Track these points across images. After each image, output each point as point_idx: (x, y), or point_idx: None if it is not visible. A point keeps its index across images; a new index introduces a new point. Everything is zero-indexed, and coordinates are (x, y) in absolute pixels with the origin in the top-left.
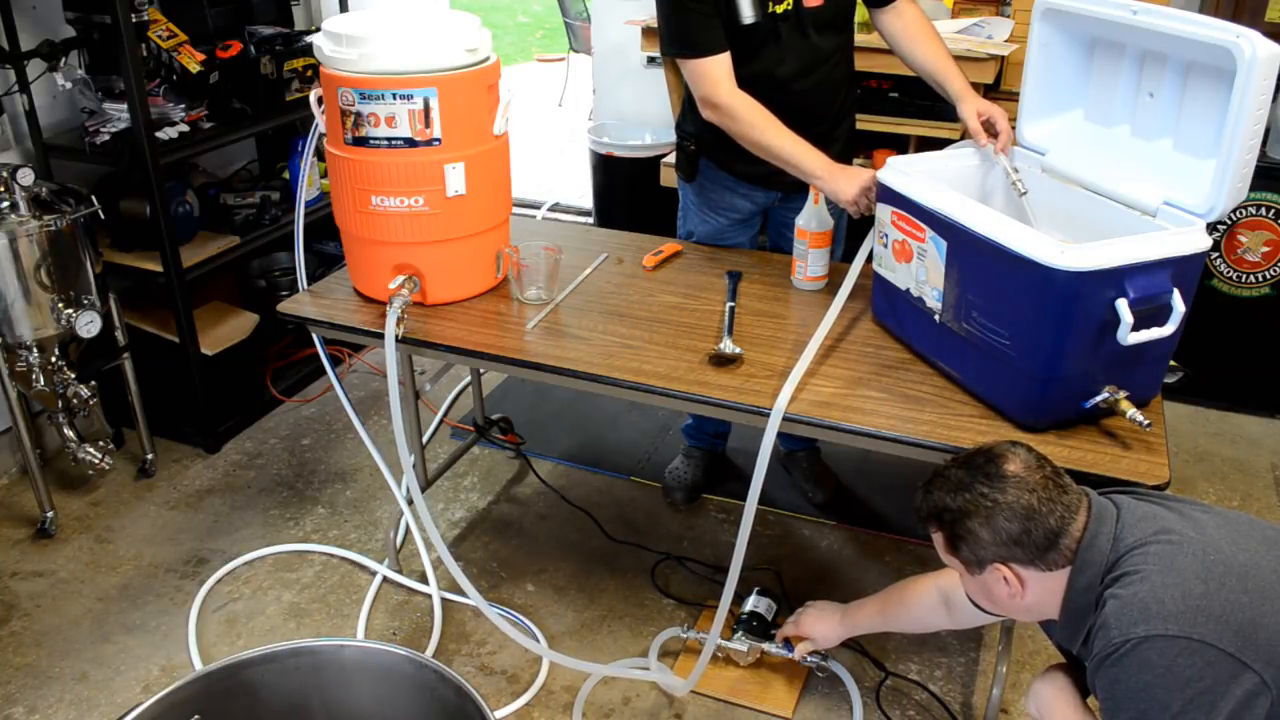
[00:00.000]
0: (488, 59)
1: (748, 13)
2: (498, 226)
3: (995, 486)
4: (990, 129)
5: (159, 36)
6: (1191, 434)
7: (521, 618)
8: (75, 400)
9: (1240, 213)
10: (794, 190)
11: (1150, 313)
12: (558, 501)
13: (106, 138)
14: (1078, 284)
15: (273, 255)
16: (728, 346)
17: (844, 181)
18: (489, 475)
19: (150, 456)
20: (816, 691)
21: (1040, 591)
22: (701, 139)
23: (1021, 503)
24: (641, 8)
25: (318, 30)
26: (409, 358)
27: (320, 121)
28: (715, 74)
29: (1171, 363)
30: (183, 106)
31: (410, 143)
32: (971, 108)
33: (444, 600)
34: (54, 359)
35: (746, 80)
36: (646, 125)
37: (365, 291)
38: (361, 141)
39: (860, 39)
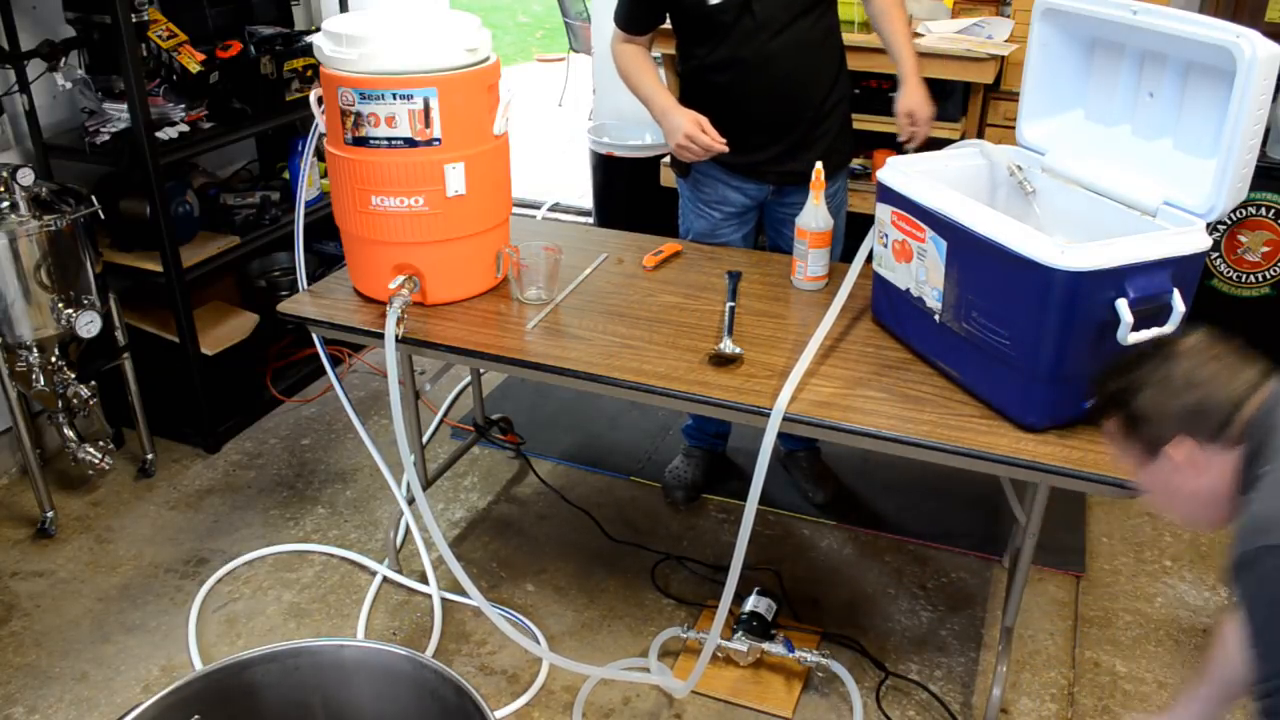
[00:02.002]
0: (488, 59)
1: None
2: (498, 226)
3: (1169, 358)
4: (912, 122)
5: (159, 36)
6: None
7: (522, 618)
8: (75, 400)
9: (1240, 213)
10: (786, 183)
11: (1150, 313)
12: (558, 501)
13: (106, 138)
14: (1078, 284)
15: (273, 255)
16: (728, 346)
17: (668, 132)
18: (489, 475)
19: (150, 456)
20: (816, 691)
21: (1216, 476)
22: None
23: (1199, 371)
24: None
25: (318, 30)
26: (409, 358)
27: (320, 121)
28: (623, 40)
29: None
30: (183, 106)
31: (410, 143)
32: (904, 104)
33: (444, 600)
34: (54, 359)
35: (723, 65)
36: (646, 125)
37: (365, 291)
38: (361, 141)
39: (860, 39)
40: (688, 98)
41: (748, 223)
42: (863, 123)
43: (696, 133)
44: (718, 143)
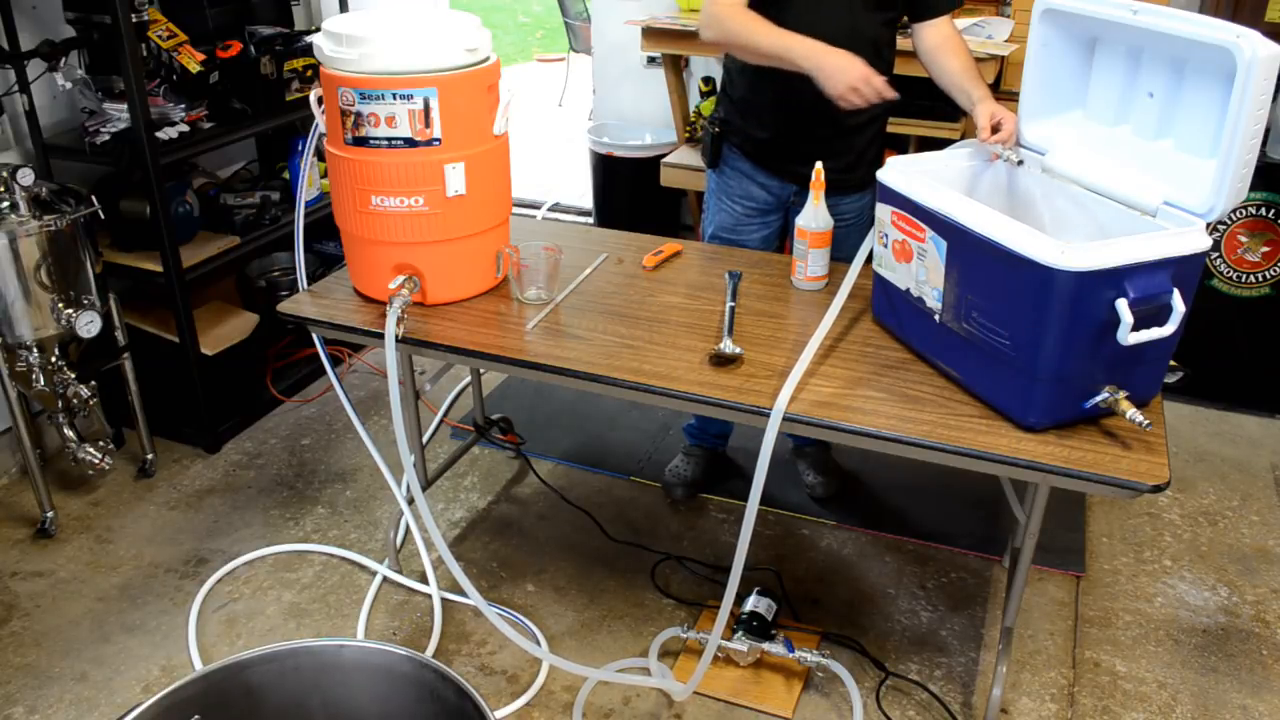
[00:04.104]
0: (488, 59)
1: None
2: (498, 226)
3: None
4: (996, 129)
5: (159, 36)
6: (1191, 434)
7: (522, 618)
8: (75, 400)
9: (1240, 213)
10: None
11: (1150, 313)
12: (558, 501)
13: (106, 138)
14: (1078, 284)
15: (273, 255)
16: (728, 346)
17: (834, 73)
18: (489, 475)
19: (150, 456)
20: (816, 691)
21: None
22: (726, 123)
23: None
24: (642, 8)
25: (318, 30)
26: (409, 358)
27: (320, 121)
28: (731, 3)
29: (1171, 363)
30: (183, 106)
31: (410, 143)
32: (987, 110)
33: (444, 600)
34: (54, 359)
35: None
36: (646, 125)
37: (365, 291)
38: (361, 141)
39: None
40: (733, 71)
41: (770, 224)
42: None
43: (870, 72)
44: (887, 89)
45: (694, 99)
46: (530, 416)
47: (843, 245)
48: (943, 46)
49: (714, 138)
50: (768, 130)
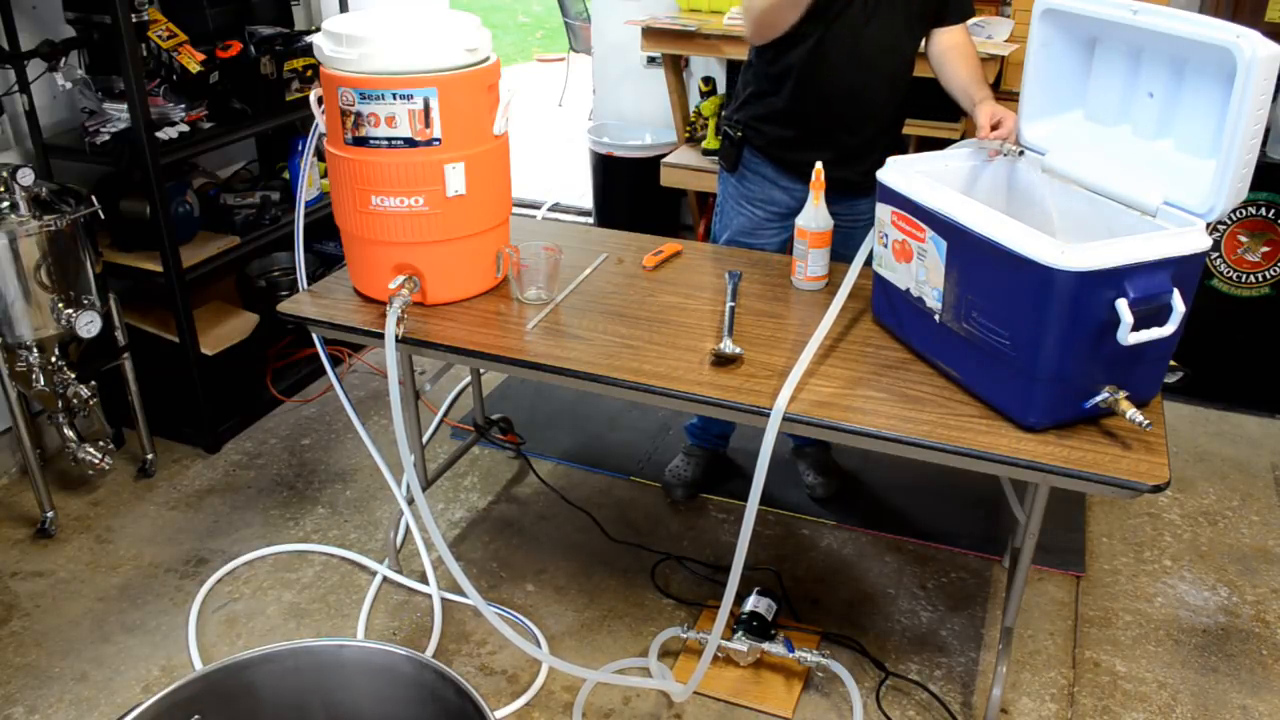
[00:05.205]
0: (488, 59)
1: None
2: (498, 226)
3: None
4: (995, 128)
5: (159, 36)
6: (1191, 434)
7: (521, 618)
8: (75, 400)
9: (1240, 213)
10: (834, 189)
11: (1150, 313)
12: (558, 501)
13: (106, 138)
14: (1078, 284)
15: (273, 255)
16: (728, 346)
17: None
18: (489, 475)
19: (150, 456)
20: (816, 691)
21: None
22: (748, 126)
23: None
24: (642, 8)
25: (318, 30)
26: (409, 358)
27: (320, 121)
28: None
29: (1171, 363)
30: (183, 106)
31: (410, 143)
32: (987, 109)
33: (444, 600)
34: (54, 359)
35: (822, 41)
36: (646, 125)
37: (365, 291)
38: (361, 141)
39: None
40: (772, 76)
41: (789, 227)
42: None
43: None
44: None
45: (694, 99)
46: (530, 416)
47: (849, 242)
48: (954, 51)
49: (734, 141)
50: (802, 135)
